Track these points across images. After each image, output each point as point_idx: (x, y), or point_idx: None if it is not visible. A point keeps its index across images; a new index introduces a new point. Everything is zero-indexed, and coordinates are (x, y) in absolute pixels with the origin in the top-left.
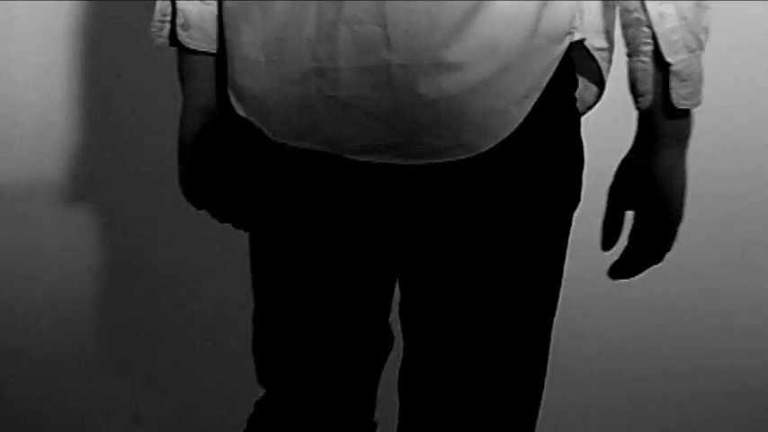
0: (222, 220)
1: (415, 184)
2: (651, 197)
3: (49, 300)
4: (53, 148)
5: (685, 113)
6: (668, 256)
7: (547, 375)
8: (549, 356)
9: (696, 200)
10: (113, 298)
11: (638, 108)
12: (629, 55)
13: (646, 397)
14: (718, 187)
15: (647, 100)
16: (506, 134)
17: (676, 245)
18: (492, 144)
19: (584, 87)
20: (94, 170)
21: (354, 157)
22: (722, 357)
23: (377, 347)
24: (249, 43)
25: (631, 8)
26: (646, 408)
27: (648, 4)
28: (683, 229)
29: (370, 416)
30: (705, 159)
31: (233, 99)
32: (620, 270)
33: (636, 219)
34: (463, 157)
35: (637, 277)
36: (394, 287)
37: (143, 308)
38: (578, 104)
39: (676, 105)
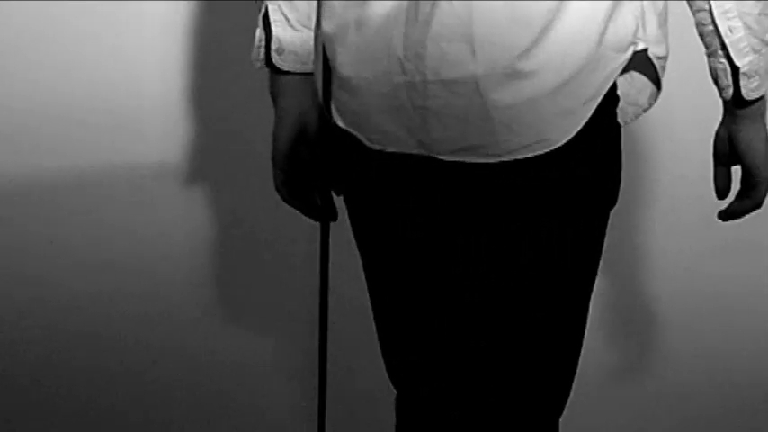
0: (309, 216)
1: (496, 181)
2: (738, 161)
3: (169, 271)
4: (175, 136)
5: (757, 99)
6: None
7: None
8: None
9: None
10: (227, 268)
11: (722, 98)
12: (709, 56)
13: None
14: None
15: (728, 93)
16: (576, 131)
17: None
18: (564, 140)
19: (636, 92)
20: (209, 156)
21: (445, 158)
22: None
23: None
24: (344, 63)
25: (705, 22)
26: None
27: (718, 21)
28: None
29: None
30: None
31: (334, 112)
32: (727, 213)
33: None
34: (541, 152)
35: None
36: None
37: (254, 277)
38: (632, 109)
39: (746, 98)
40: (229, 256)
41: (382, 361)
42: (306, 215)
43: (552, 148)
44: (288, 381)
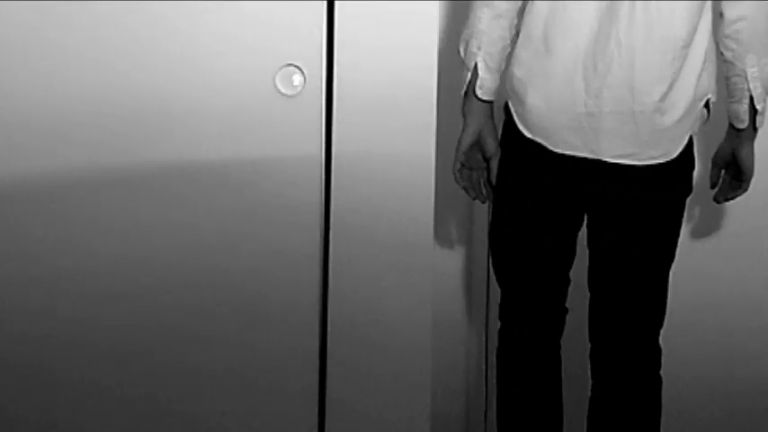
0: (471, 194)
1: (638, 175)
2: (735, 166)
3: (168, 270)
4: (176, 137)
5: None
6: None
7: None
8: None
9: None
10: (227, 267)
11: (737, 129)
12: (733, 103)
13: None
14: None
15: (747, 126)
16: (681, 149)
17: None
18: (676, 154)
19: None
20: (210, 156)
21: (607, 160)
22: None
23: (566, 267)
24: (534, 96)
25: (740, 83)
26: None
27: (750, 83)
28: None
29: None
30: None
31: (520, 126)
32: (721, 197)
33: (726, 174)
34: (663, 161)
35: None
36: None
37: (254, 277)
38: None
39: (759, 126)
40: (230, 255)
41: (381, 360)
42: (469, 194)
43: (671, 159)
44: (288, 381)
